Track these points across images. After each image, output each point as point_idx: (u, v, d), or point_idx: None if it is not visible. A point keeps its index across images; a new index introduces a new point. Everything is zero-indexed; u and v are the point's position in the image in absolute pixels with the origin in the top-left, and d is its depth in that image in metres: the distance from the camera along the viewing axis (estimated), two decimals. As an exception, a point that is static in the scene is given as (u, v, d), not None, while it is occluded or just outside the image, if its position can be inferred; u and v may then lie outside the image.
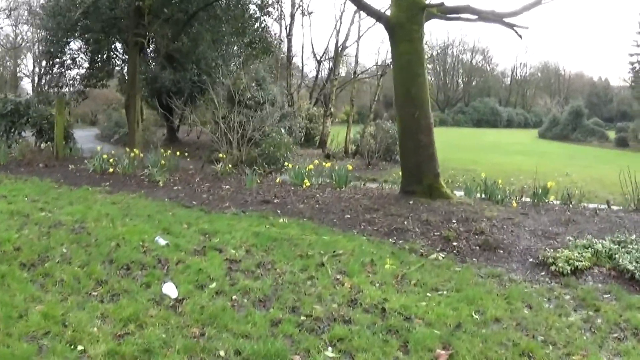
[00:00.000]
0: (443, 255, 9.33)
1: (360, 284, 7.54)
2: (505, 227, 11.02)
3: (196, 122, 21.44)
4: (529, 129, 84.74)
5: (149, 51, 27.20)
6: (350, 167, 15.77)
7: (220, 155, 18.70)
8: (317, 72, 39.92)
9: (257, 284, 7.36)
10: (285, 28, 34.78)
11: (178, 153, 20.42)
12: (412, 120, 13.40)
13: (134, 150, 20.27)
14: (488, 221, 11.33)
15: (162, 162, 17.76)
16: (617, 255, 8.73)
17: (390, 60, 18.97)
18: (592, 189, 18.94)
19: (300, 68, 44.49)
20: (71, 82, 26.82)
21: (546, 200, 13.75)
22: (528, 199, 14.20)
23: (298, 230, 10.49)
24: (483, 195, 14.38)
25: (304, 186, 14.96)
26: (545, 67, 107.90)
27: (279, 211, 12.25)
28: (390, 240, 10.30)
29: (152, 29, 20.99)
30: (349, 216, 11.84)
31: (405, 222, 11.25)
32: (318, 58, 39.20)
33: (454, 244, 10.06)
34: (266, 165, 18.56)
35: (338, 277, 7.84)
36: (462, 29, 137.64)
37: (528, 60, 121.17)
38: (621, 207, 13.52)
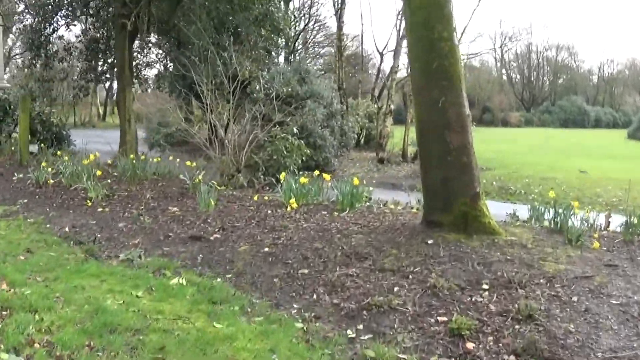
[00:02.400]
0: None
1: None
2: (575, 299, 5.87)
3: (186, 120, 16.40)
4: (618, 129, 76.67)
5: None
6: (356, 181, 10.52)
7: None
8: (379, 65, 34.64)
9: None
10: (336, 14, 29.66)
11: (171, 157, 15.66)
12: (434, 110, 8.31)
13: (126, 153, 15.80)
14: (547, 285, 6.18)
15: (130, 169, 13.11)
16: None
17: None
18: None
19: (361, 61, 38.97)
20: (63, 75, 22.50)
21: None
22: (617, 228, 8.81)
23: (184, 306, 5.73)
24: (552, 224, 9.06)
25: (288, 208, 9.93)
26: (633, 64, 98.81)
27: (199, 258, 7.52)
28: (349, 331, 5.37)
29: (138, 9, 16.28)
30: (305, 271, 6.86)
31: (396, 289, 6.20)
32: (380, 50, 33.92)
33: (469, 346, 5.07)
34: (262, 177, 13.60)
35: None
36: (547, 27, 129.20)
37: (615, 57, 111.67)
38: None
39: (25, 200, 10.87)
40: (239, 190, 12.56)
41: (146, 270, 6.90)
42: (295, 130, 14.69)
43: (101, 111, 47.97)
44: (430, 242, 7.63)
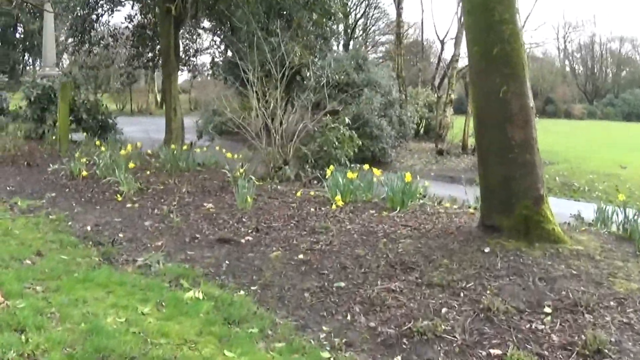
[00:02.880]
0: None
1: None
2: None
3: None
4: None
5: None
6: (408, 178, 9.46)
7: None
8: (440, 54, 33.20)
9: None
10: (394, 1, 28.35)
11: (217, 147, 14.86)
12: (494, 100, 7.29)
13: (171, 143, 15.11)
14: (618, 309, 5.18)
15: (171, 160, 12.37)
16: None
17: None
18: None
19: (421, 49, 37.56)
20: (108, 62, 21.81)
21: None
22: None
23: (195, 326, 4.93)
24: (621, 230, 7.96)
25: (333, 206, 8.99)
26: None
27: (224, 265, 6.65)
28: (387, 366, 4.36)
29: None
30: (342, 284, 5.92)
31: (444, 310, 5.23)
32: (440, 38, 32.53)
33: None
34: (310, 170, 12.62)
35: None
36: (610, 19, 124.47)
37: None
38: None
39: (54, 194, 10.18)
40: (285, 184, 11.69)
41: (162, 279, 6.06)
42: (347, 120, 13.68)
43: (158, 98, 47.52)
44: (486, 250, 6.62)
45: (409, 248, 6.82)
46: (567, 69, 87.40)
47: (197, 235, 7.62)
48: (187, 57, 19.76)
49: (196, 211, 8.83)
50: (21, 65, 29.57)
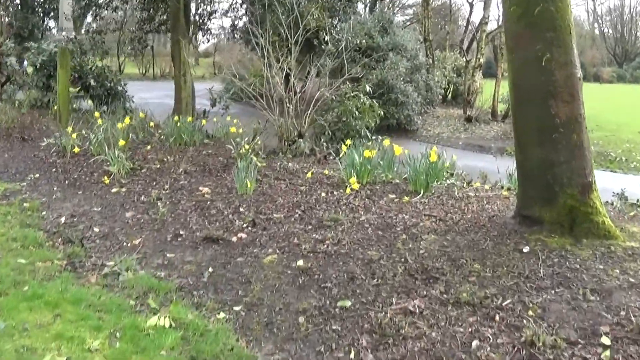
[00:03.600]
0: None
1: None
2: None
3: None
4: None
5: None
6: (433, 157, 8.12)
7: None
8: (468, 16, 31.55)
9: None
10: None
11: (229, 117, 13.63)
12: (535, 70, 6.02)
13: (180, 112, 13.94)
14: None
15: (174, 134, 11.21)
16: None
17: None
18: None
19: (449, 11, 35.70)
20: (117, 26, 20.46)
21: None
22: None
23: None
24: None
25: (348, 189, 7.76)
26: None
27: (206, 274, 5.43)
28: None
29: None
30: (348, 303, 4.80)
31: (475, 343, 4.15)
32: (469, 1, 30.79)
33: None
34: (325, 145, 11.37)
35: None
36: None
37: None
38: None
39: (37, 175, 9.09)
40: (298, 159, 10.49)
41: (127, 294, 4.92)
42: (368, 88, 12.34)
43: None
44: (525, 250, 5.41)
45: (432, 248, 5.60)
46: (597, 32, 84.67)
47: (182, 232, 6.44)
48: (201, 21, 18.32)
49: (189, 197, 7.65)
50: (41, 30, 28.29)
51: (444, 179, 9.08)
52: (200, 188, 8.05)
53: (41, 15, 28.45)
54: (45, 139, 11.15)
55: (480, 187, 8.78)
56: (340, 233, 6.16)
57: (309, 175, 8.47)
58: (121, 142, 9.34)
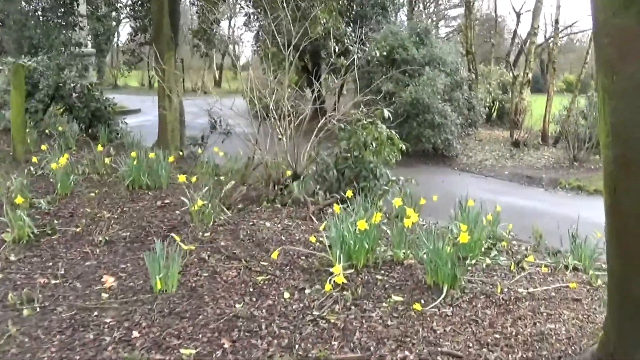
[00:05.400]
0: None
1: None
2: None
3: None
4: None
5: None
6: (464, 238, 5.00)
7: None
8: (516, 27, 28.19)
9: None
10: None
11: (216, 148, 10.78)
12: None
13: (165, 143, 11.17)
14: None
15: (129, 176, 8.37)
16: None
17: None
18: None
19: (495, 22, 32.14)
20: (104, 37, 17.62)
21: None
22: None
23: None
24: None
25: (327, 286, 4.74)
26: None
27: None
28: None
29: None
30: None
31: None
32: (516, 10, 27.39)
33: None
34: (322, 192, 8.36)
35: None
36: None
37: None
38: None
39: None
40: (286, 213, 7.60)
41: None
42: (387, 113, 9.25)
43: (217, 76, 43.41)
44: None
45: None
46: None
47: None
48: (202, 29, 15.32)
49: (76, 299, 4.69)
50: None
51: (482, 251, 6.11)
52: (105, 278, 5.10)
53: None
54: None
55: (534, 269, 5.75)
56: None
57: (274, 255, 5.44)
58: (19, 200, 6.39)
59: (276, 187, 8.51)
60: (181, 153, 11.68)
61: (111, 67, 35.76)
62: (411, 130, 16.95)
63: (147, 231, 6.47)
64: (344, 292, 4.81)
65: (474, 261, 5.74)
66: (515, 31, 29.27)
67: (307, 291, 4.88)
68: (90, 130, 13.71)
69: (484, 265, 5.76)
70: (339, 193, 8.32)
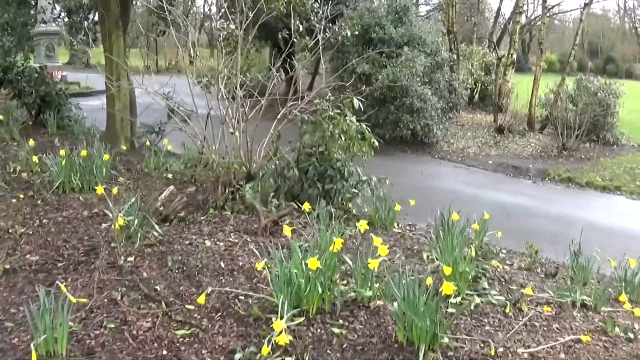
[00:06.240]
0: None
1: None
2: None
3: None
4: None
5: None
6: (447, 289, 3.71)
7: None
8: (499, 6, 26.93)
9: None
10: None
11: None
12: None
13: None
14: None
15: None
16: None
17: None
18: None
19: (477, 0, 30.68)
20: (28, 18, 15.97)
21: None
22: None
23: None
24: None
25: (265, 349, 3.42)
26: None
27: None
28: None
29: None
30: None
31: None
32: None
33: None
34: (275, 201, 7.06)
35: None
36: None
37: None
38: None
39: None
40: (235, 224, 6.34)
41: None
42: (357, 103, 7.87)
43: (192, 53, 41.21)
44: None
45: None
46: (627, 26, 79.51)
47: None
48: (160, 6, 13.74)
49: None
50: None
51: (470, 281, 4.88)
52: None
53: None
54: None
55: (534, 309, 4.55)
56: None
57: (201, 299, 4.10)
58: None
59: (226, 190, 7.17)
60: (125, 146, 10.31)
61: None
62: (388, 115, 15.69)
63: (60, 254, 5.14)
64: (286, 359, 3.53)
65: (459, 299, 4.50)
66: (499, 9, 28.01)
67: (237, 356, 3.59)
68: (39, 117, 12.32)
69: (472, 306, 4.50)
70: (300, 197, 7.04)
